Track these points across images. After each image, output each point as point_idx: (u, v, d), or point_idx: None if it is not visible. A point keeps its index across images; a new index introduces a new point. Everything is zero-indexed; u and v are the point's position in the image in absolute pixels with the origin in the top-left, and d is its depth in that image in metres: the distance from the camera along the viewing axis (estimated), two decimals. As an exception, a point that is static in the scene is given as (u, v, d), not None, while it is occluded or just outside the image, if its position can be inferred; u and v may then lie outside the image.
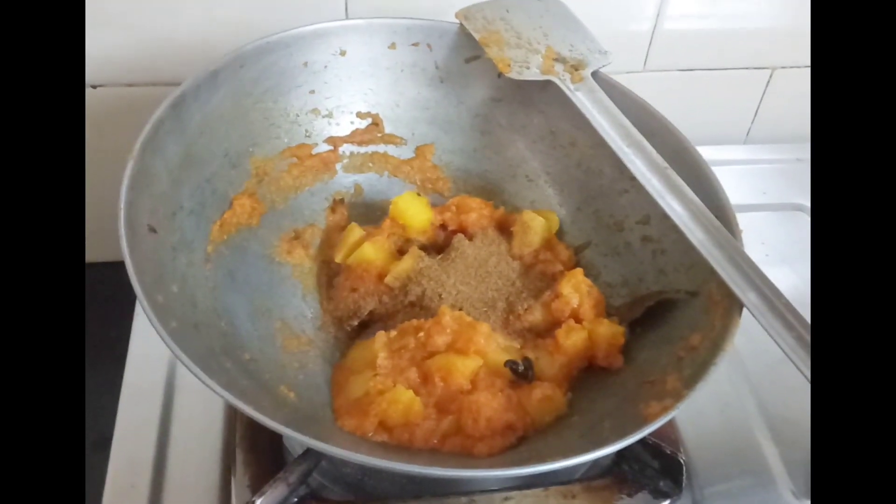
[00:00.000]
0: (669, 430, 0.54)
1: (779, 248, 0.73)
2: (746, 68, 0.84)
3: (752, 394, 0.62)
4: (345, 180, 0.64)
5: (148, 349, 0.63)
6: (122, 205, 0.47)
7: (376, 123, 0.64)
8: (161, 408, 0.60)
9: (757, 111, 0.88)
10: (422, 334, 0.53)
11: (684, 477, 0.52)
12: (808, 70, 0.83)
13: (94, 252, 0.73)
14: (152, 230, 0.49)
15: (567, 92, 0.59)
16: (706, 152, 0.57)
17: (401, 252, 0.59)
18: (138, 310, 0.65)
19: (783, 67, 0.84)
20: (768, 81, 0.85)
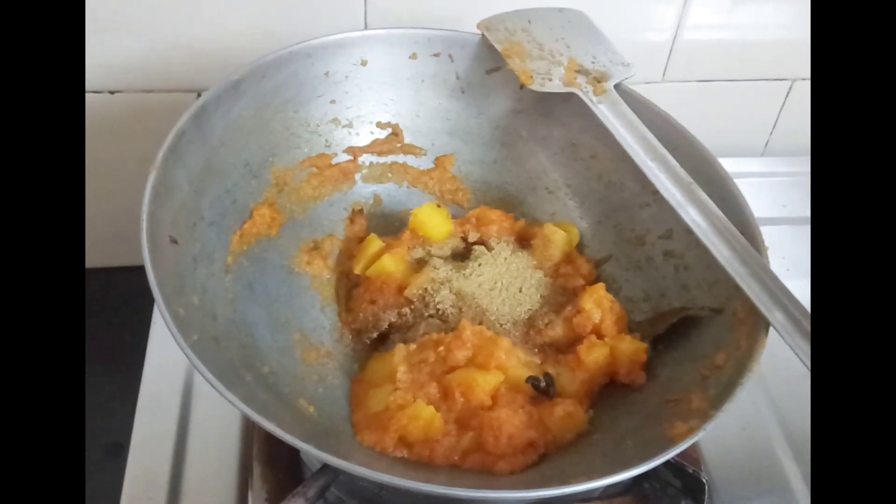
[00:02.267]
0: (691, 449, 0.54)
1: (800, 262, 0.72)
2: (766, 79, 0.83)
3: (774, 412, 0.61)
4: (364, 191, 0.63)
5: (165, 357, 0.62)
6: (144, 216, 0.46)
7: (396, 134, 0.64)
8: (178, 417, 0.59)
9: (776, 123, 0.87)
10: (442, 348, 0.52)
11: (706, 496, 0.51)
12: (828, 82, 0.83)
13: (111, 257, 0.73)
14: (174, 241, 0.49)
15: (590, 104, 0.58)
16: (724, 164, 0.57)
17: (420, 264, 0.59)
18: (156, 317, 0.65)
19: (803, 79, 0.83)
20: (788, 93, 0.85)
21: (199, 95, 0.71)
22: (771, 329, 0.47)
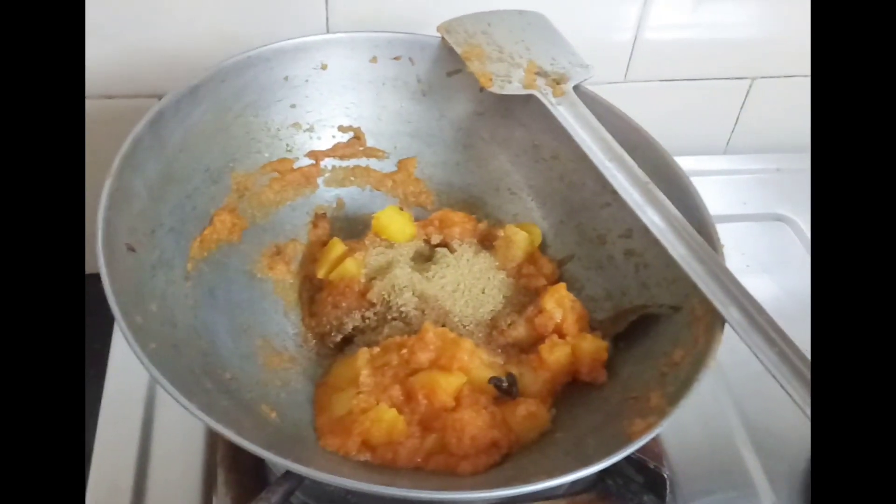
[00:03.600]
0: (653, 445, 0.54)
1: (759, 259, 0.73)
2: (727, 78, 0.84)
3: (735, 406, 0.62)
4: (327, 194, 0.63)
5: (128, 365, 0.60)
6: (99, 224, 0.46)
7: (358, 137, 0.63)
8: (141, 424, 0.59)
9: (737, 121, 0.88)
10: (405, 351, 0.52)
11: (668, 491, 0.52)
12: (788, 79, 0.84)
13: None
14: (131, 249, 0.48)
15: (549, 106, 0.59)
16: (686, 162, 0.57)
17: (383, 267, 0.59)
18: (118, 325, 0.64)
19: (763, 77, 0.84)
20: (748, 91, 0.86)
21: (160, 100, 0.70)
22: (728, 326, 0.48)
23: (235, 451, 0.54)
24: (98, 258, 0.45)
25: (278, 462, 0.42)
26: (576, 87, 0.60)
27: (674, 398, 0.46)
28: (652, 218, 0.53)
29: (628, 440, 0.44)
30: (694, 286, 0.50)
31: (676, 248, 0.51)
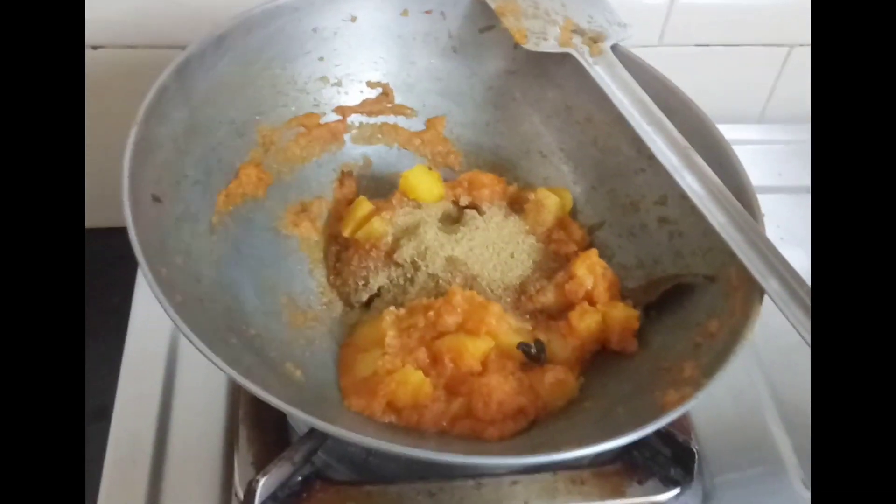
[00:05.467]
0: (682, 418, 0.53)
1: (794, 231, 0.71)
2: (764, 45, 0.82)
3: (766, 381, 0.61)
4: (353, 152, 0.62)
5: (150, 319, 0.61)
6: (125, 173, 0.45)
7: (386, 93, 0.62)
8: (163, 380, 0.58)
9: (773, 89, 0.86)
10: (431, 313, 0.51)
11: (696, 465, 0.51)
12: (827, 48, 0.81)
13: (94, 218, 0.71)
14: (157, 200, 0.47)
15: (585, 65, 0.57)
16: (720, 130, 0.56)
17: (410, 227, 0.57)
18: (140, 279, 0.64)
19: (801, 45, 0.82)
20: (785, 59, 0.83)
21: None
22: (765, 298, 0.47)
23: (258, 409, 0.53)
24: (124, 209, 0.44)
25: (305, 419, 0.41)
26: (613, 47, 0.58)
27: (709, 370, 0.45)
28: (690, 184, 0.52)
29: (661, 411, 0.43)
30: (732, 255, 0.49)
31: (715, 216, 0.50)
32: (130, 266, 0.52)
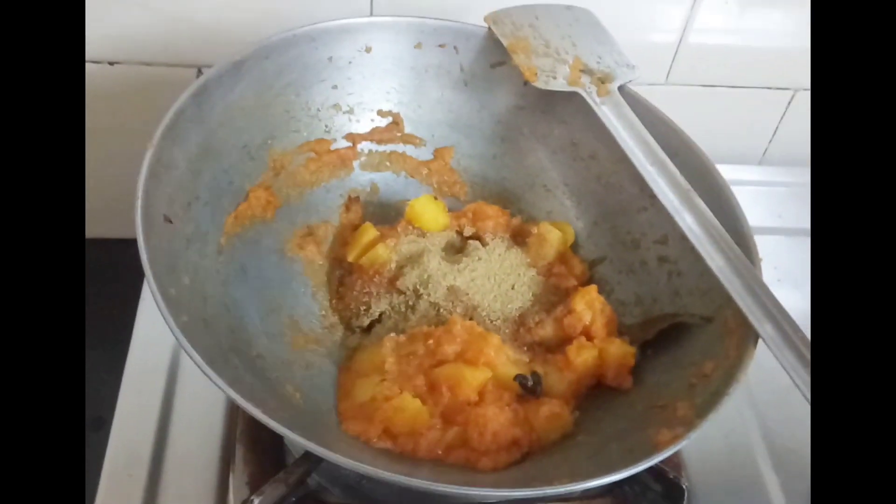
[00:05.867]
0: (673, 455, 0.53)
1: (792, 273, 0.72)
2: (769, 88, 0.83)
3: (758, 422, 0.61)
4: (361, 178, 0.63)
5: (153, 332, 0.62)
6: (139, 194, 0.46)
7: (397, 123, 0.63)
8: (163, 394, 0.59)
9: (776, 132, 0.87)
10: (431, 342, 0.52)
11: (686, 503, 0.52)
12: (831, 94, 0.83)
13: (101, 229, 0.73)
14: (168, 220, 0.48)
15: (593, 105, 0.58)
16: (721, 171, 0.57)
17: (414, 255, 0.58)
18: (146, 292, 0.65)
19: (805, 89, 0.83)
20: (790, 102, 0.85)
21: (199, 71, 0.70)
22: (759, 341, 0.48)
23: (255, 429, 0.54)
24: (137, 227, 0.45)
25: (301, 443, 0.41)
26: (620, 88, 0.60)
27: (702, 410, 0.45)
28: (690, 225, 0.52)
29: (654, 449, 0.44)
30: (728, 298, 0.49)
31: (713, 258, 0.51)
32: (135, 277, 0.53)
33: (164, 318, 0.43)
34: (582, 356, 0.53)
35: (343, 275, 0.59)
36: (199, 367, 0.42)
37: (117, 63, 0.69)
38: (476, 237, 0.61)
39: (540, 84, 0.59)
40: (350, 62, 0.60)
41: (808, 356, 0.46)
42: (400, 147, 0.64)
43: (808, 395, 0.45)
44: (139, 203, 0.45)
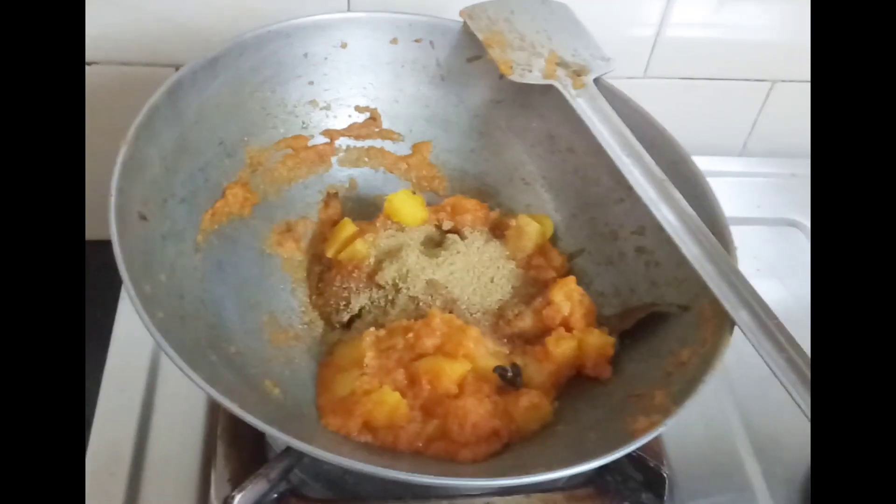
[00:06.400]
0: (653, 443, 0.54)
1: (770, 263, 0.73)
2: (747, 80, 0.83)
3: (738, 409, 0.62)
4: (340, 174, 0.63)
5: (132, 333, 0.62)
6: (112, 192, 0.46)
7: (374, 118, 0.63)
8: (143, 393, 0.59)
9: (755, 124, 0.88)
10: (411, 335, 0.52)
11: (667, 491, 0.52)
12: (808, 85, 0.83)
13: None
14: (143, 218, 0.48)
15: (568, 98, 0.58)
16: (702, 162, 0.57)
17: (393, 250, 0.58)
18: (124, 293, 0.64)
19: (783, 81, 0.84)
20: (768, 94, 0.85)
21: (177, 70, 0.70)
22: (736, 328, 0.48)
23: (236, 426, 0.54)
24: (110, 226, 0.44)
25: (280, 438, 0.41)
26: (596, 80, 0.60)
27: (679, 398, 0.46)
28: (666, 216, 0.53)
29: (631, 437, 0.44)
30: (704, 286, 0.50)
31: (689, 248, 0.51)
32: (114, 279, 0.52)
33: (139, 315, 0.43)
34: (561, 347, 0.53)
35: (322, 270, 0.59)
36: (175, 363, 0.42)
37: (94, 63, 0.69)
38: (455, 231, 0.61)
39: (515, 77, 0.59)
40: (326, 58, 0.60)
41: (783, 342, 0.46)
42: (378, 142, 0.64)
43: (785, 381, 0.45)
44: (112, 200, 0.45)
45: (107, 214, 0.45)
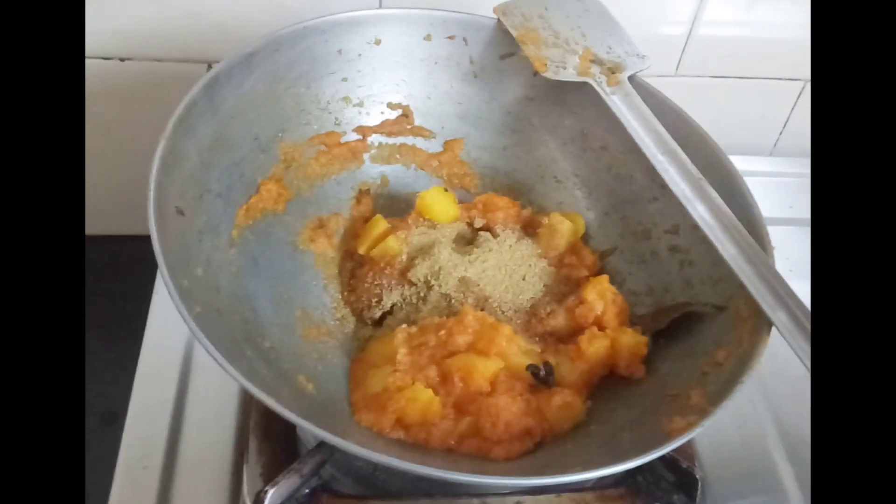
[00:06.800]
0: (686, 444, 0.53)
1: (803, 264, 0.71)
2: (779, 79, 0.83)
3: (771, 411, 0.61)
4: (372, 171, 0.63)
5: (166, 327, 0.62)
6: (151, 186, 0.46)
7: (406, 115, 0.63)
8: (176, 387, 0.59)
9: (786, 123, 0.87)
10: (443, 332, 0.52)
11: (699, 492, 0.52)
12: (841, 84, 0.82)
13: (116, 225, 0.73)
14: (180, 212, 0.48)
15: (603, 95, 0.58)
16: (733, 162, 0.57)
17: (425, 247, 0.58)
18: (158, 286, 0.65)
19: (816, 80, 0.83)
20: (800, 93, 0.84)
21: (209, 67, 0.70)
22: (772, 329, 0.47)
23: (268, 420, 0.54)
24: (150, 220, 0.45)
25: (315, 432, 0.42)
26: (630, 78, 0.59)
27: (715, 398, 0.45)
28: (702, 214, 0.52)
29: (667, 438, 0.44)
30: (741, 286, 0.49)
31: (726, 247, 0.51)
32: (148, 272, 0.53)
33: (178, 309, 0.43)
34: (594, 346, 0.53)
35: (354, 267, 0.59)
36: (213, 357, 0.42)
37: (128, 59, 0.70)
38: (486, 228, 0.61)
39: (550, 74, 0.59)
40: (360, 55, 0.60)
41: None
42: (410, 139, 0.64)
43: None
44: (152, 195, 0.46)
45: (146, 209, 0.45)
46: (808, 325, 0.47)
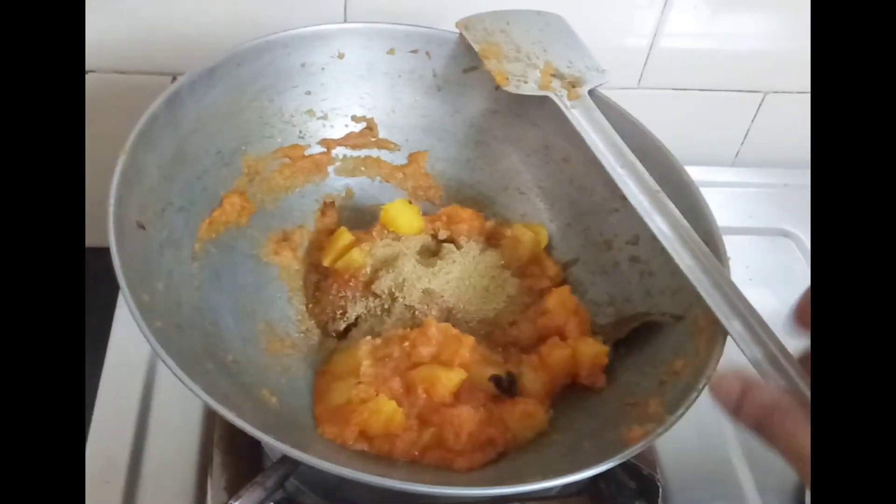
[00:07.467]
0: (647, 451, 0.55)
1: (763, 273, 0.73)
2: (739, 91, 0.84)
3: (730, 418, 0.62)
4: (336, 183, 0.63)
5: (129, 340, 0.62)
6: (111, 201, 0.46)
7: (371, 128, 0.64)
8: (139, 401, 0.59)
9: (747, 134, 0.88)
10: (407, 344, 0.53)
11: (660, 499, 0.52)
12: (800, 95, 0.84)
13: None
14: (141, 227, 0.48)
15: (563, 109, 0.59)
16: (694, 172, 0.58)
17: (389, 259, 0.59)
18: (121, 300, 0.64)
19: (775, 92, 0.85)
20: (760, 105, 0.86)
21: (174, 79, 0.70)
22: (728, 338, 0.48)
23: (232, 434, 0.54)
24: (109, 234, 0.45)
25: (276, 446, 0.42)
26: (591, 92, 0.60)
27: (672, 407, 0.46)
28: (660, 226, 0.53)
29: (625, 446, 0.44)
30: (698, 296, 0.50)
31: (682, 258, 0.51)
32: (110, 286, 0.52)
33: (138, 325, 0.43)
34: (555, 355, 0.54)
35: (319, 279, 0.59)
36: (173, 372, 0.42)
37: (91, 72, 0.69)
38: (451, 240, 0.61)
39: (511, 88, 0.60)
40: (323, 68, 0.60)
41: (776, 354, 0.47)
42: (374, 152, 0.64)
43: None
44: (111, 210, 0.46)
45: (105, 224, 0.45)
46: (764, 335, 0.47)
